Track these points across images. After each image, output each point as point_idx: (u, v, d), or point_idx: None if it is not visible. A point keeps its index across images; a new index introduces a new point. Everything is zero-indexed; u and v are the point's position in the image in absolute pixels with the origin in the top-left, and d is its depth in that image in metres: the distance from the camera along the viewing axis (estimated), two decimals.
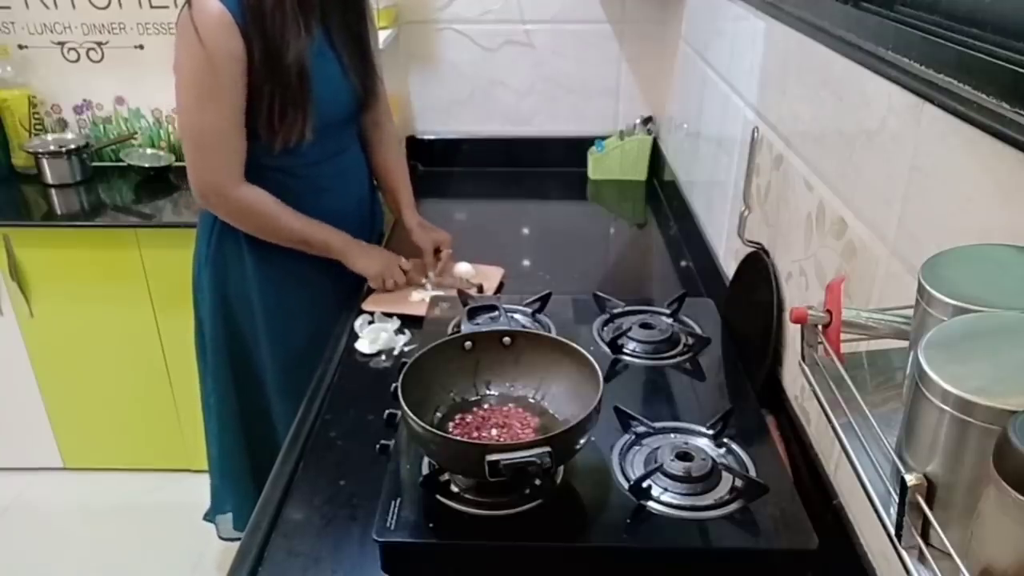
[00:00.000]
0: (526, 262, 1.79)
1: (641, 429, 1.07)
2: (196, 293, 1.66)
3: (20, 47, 2.32)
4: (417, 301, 1.52)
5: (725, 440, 1.05)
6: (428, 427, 0.92)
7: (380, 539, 0.91)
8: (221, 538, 1.84)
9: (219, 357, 1.64)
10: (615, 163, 2.27)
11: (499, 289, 1.62)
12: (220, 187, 1.42)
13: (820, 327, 0.67)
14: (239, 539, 1.02)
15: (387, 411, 1.11)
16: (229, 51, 1.31)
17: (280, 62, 1.33)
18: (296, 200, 1.48)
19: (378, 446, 1.07)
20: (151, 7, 2.29)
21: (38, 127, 2.41)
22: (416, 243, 1.66)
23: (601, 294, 1.41)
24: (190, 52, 1.31)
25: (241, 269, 1.55)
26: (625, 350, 1.28)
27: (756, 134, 1.31)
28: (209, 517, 1.85)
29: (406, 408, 0.93)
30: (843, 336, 0.66)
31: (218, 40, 1.30)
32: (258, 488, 1.12)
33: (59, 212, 2.23)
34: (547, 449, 0.87)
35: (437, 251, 1.65)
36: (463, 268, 1.61)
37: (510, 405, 1.08)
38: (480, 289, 1.58)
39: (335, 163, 1.54)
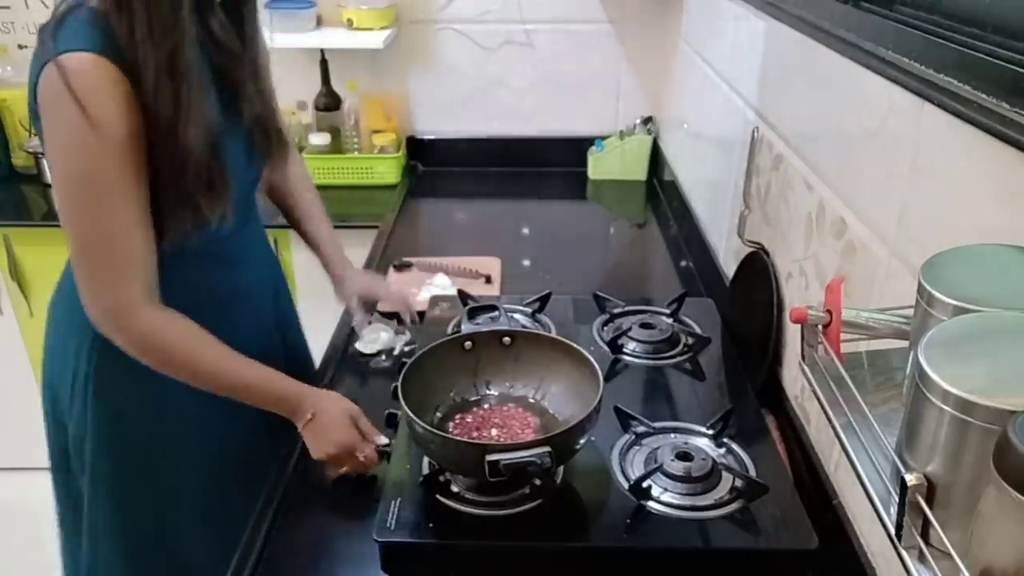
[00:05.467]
0: (526, 262, 1.79)
1: (641, 429, 1.07)
2: (58, 403, 1.23)
3: (20, 47, 2.32)
4: (423, 300, 1.52)
5: (725, 440, 1.05)
6: (428, 427, 0.92)
7: (380, 539, 0.91)
8: None
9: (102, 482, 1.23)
10: (615, 163, 2.27)
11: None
12: (121, 313, 1.03)
13: (820, 327, 0.67)
14: None
15: (387, 411, 1.11)
16: (127, 121, 0.95)
17: (184, 136, 0.99)
18: (207, 281, 1.16)
19: (378, 446, 1.07)
20: None
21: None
22: (338, 298, 1.42)
23: (601, 294, 1.41)
24: (68, 134, 0.94)
25: (130, 382, 1.15)
26: (625, 350, 1.28)
27: (756, 134, 1.31)
28: None
29: (406, 408, 0.93)
30: (843, 336, 0.66)
31: (111, 112, 0.93)
32: None
33: None
34: (547, 449, 0.87)
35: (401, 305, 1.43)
36: (441, 281, 1.63)
37: (510, 405, 1.08)
38: (488, 280, 1.63)
39: (242, 235, 1.20)
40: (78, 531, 1.30)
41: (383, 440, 1.09)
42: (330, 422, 1.09)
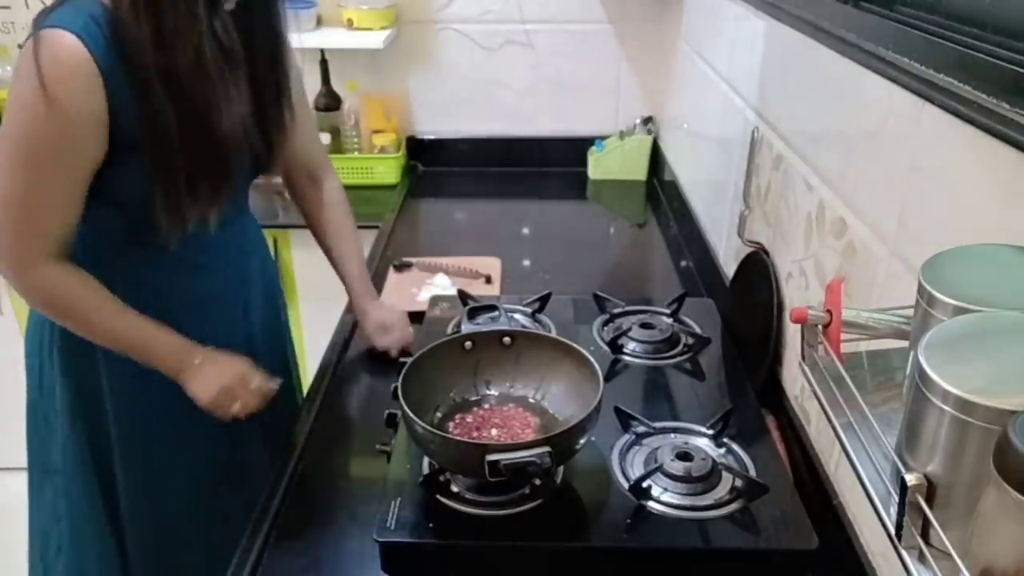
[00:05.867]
0: (526, 262, 1.79)
1: (641, 429, 1.07)
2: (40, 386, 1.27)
3: (20, 47, 2.32)
4: (423, 300, 1.52)
5: (725, 440, 1.05)
6: (428, 427, 0.92)
7: (380, 539, 0.91)
8: None
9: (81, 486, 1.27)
10: (615, 163, 2.27)
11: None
12: (20, 266, 1.08)
13: (820, 327, 0.67)
14: None
15: (387, 411, 1.11)
16: (86, 108, 0.98)
17: (205, 131, 1.04)
18: (153, 278, 1.17)
19: (378, 446, 1.07)
20: None
21: None
22: (371, 343, 1.37)
23: (601, 294, 1.41)
24: (24, 99, 0.97)
25: (95, 377, 1.21)
26: (625, 350, 1.28)
27: (756, 134, 1.31)
28: None
29: (406, 408, 0.93)
30: (843, 336, 0.66)
31: (71, 93, 0.97)
32: None
33: None
34: (547, 449, 0.87)
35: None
36: (441, 281, 1.63)
37: (510, 405, 1.08)
38: (488, 280, 1.63)
39: (214, 237, 1.17)
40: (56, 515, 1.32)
41: (274, 383, 1.19)
42: (216, 366, 1.16)
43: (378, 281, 1.65)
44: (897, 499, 0.51)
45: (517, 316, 1.35)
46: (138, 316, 1.12)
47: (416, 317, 1.43)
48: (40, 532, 1.36)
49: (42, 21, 0.98)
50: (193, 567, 1.31)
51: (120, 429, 1.24)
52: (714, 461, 0.99)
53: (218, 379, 1.15)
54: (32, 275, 1.08)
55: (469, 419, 1.05)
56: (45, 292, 1.11)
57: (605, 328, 1.35)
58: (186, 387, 1.15)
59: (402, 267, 1.70)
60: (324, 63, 2.19)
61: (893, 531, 0.52)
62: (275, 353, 1.42)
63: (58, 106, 0.97)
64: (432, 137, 2.37)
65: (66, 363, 1.21)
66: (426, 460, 1.01)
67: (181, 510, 1.30)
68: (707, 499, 0.95)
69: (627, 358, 1.27)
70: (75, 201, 1.06)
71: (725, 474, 0.98)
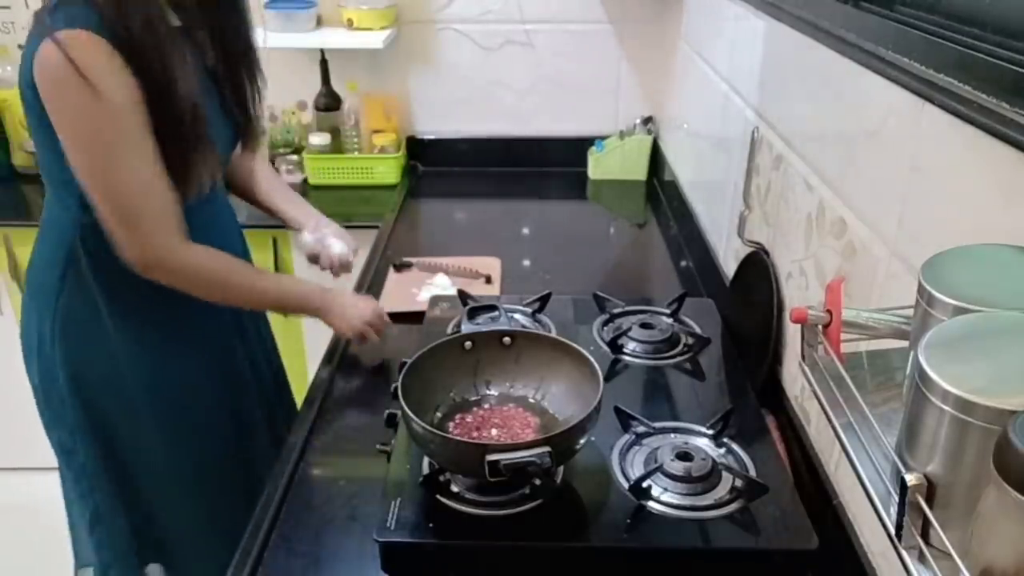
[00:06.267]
0: (526, 262, 1.79)
1: (641, 429, 1.07)
2: (41, 371, 1.32)
3: (20, 47, 2.32)
4: (423, 300, 1.52)
5: (725, 440, 1.05)
6: (428, 427, 0.92)
7: (380, 539, 0.91)
8: None
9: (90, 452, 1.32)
10: (615, 163, 2.27)
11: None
12: (164, 256, 1.16)
13: (820, 327, 0.67)
14: None
15: (387, 411, 1.11)
16: (127, 88, 1.06)
17: (171, 100, 1.09)
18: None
19: (378, 446, 1.07)
20: None
21: None
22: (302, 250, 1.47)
23: (601, 294, 1.41)
24: (77, 106, 1.04)
25: (102, 346, 1.26)
26: (625, 350, 1.28)
27: (756, 134, 1.31)
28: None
29: (406, 408, 0.93)
30: (843, 336, 0.66)
31: (111, 80, 1.04)
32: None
33: None
34: (547, 449, 0.87)
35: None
36: (441, 281, 1.63)
37: (510, 405, 1.08)
38: (488, 280, 1.63)
39: (203, 210, 1.25)
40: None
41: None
42: (356, 307, 1.32)
43: (378, 281, 1.66)
44: (897, 499, 0.51)
45: (517, 316, 1.35)
46: (264, 271, 1.27)
47: (416, 317, 1.44)
48: (72, 507, 1.43)
49: (44, 29, 1.04)
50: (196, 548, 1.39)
51: (129, 416, 1.29)
52: (714, 461, 0.99)
53: (359, 315, 1.31)
54: (180, 255, 1.17)
55: (469, 419, 1.05)
56: (191, 269, 1.19)
57: (605, 328, 1.35)
58: (330, 323, 1.31)
59: (402, 267, 1.70)
60: (324, 63, 2.19)
61: (893, 531, 0.52)
62: (266, 340, 1.51)
63: (106, 94, 1.03)
64: (432, 137, 2.37)
65: (67, 352, 1.26)
66: (426, 460, 1.01)
67: (186, 496, 1.37)
68: (707, 499, 0.95)
69: (627, 358, 1.27)
70: (164, 175, 1.13)
71: (725, 474, 0.98)
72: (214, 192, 1.29)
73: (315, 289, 1.31)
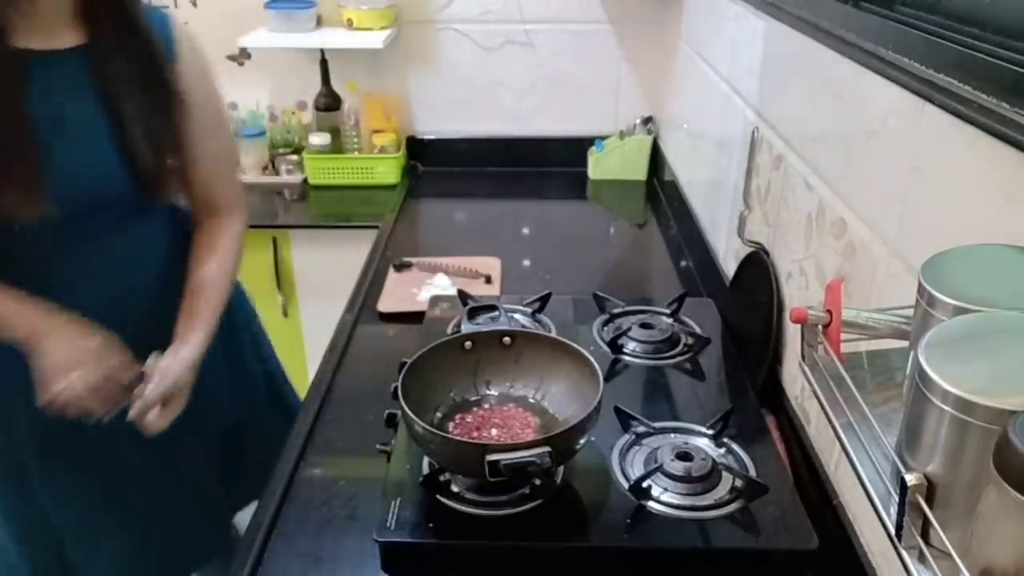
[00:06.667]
0: (526, 262, 1.79)
1: (641, 429, 1.07)
2: None
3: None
4: (423, 300, 1.52)
5: (725, 440, 1.05)
6: (428, 427, 0.92)
7: (380, 539, 0.91)
8: None
9: None
10: (615, 163, 2.27)
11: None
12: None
13: (820, 327, 0.67)
14: None
15: (387, 411, 1.11)
16: None
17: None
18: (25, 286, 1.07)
19: (378, 446, 1.07)
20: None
21: None
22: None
23: (601, 294, 1.41)
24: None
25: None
26: (625, 350, 1.28)
27: (756, 134, 1.31)
28: None
29: (406, 408, 0.93)
30: (843, 336, 0.66)
31: None
32: None
33: None
34: (547, 449, 0.87)
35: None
36: (441, 281, 1.63)
37: (510, 405, 1.08)
38: (488, 280, 1.63)
39: (78, 256, 1.11)
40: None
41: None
42: (71, 341, 1.06)
43: (378, 281, 1.66)
44: (897, 499, 0.51)
45: (517, 316, 1.35)
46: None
47: (416, 317, 1.44)
48: None
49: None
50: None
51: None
52: (714, 461, 0.99)
53: (62, 356, 1.06)
54: None
55: (469, 419, 1.06)
56: None
57: (605, 328, 1.35)
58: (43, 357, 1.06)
59: (402, 267, 1.70)
60: (324, 63, 2.19)
61: (893, 531, 0.52)
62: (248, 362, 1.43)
63: None
64: (432, 137, 2.37)
65: None
66: (426, 460, 1.01)
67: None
68: (707, 499, 0.95)
69: (627, 358, 1.27)
70: None
71: (725, 474, 0.98)
72: (96, 237, 1.12)
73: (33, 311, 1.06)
